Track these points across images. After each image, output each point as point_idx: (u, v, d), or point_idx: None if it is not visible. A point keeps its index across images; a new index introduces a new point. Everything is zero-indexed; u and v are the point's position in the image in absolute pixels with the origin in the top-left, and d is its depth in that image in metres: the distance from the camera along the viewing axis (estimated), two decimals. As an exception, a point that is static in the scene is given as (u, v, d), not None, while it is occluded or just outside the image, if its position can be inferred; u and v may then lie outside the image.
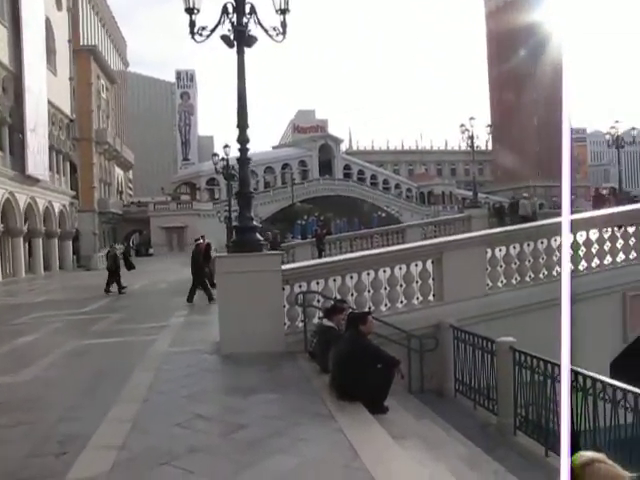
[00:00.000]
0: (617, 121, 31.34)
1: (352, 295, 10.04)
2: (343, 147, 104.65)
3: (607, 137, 33.30)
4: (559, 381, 6.62)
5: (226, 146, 31.10)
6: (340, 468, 4.59)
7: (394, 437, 5.56)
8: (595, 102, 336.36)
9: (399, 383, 7.61)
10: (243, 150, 9.90)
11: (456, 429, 7.53)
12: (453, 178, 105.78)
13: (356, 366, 6.73)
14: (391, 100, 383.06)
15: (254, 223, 10.15)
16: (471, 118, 31.49)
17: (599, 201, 30.31)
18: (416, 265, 10.54)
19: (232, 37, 9.72)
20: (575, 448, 3.38)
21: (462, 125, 31.53)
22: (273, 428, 5.51)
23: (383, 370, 7.04)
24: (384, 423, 6.00)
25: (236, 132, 9.92)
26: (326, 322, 8.21)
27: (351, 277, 10.13)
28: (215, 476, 4.46)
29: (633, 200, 32.94)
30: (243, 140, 9.86)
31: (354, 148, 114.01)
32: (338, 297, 9.78)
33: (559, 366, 6.64)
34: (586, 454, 2.19)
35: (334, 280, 10.04)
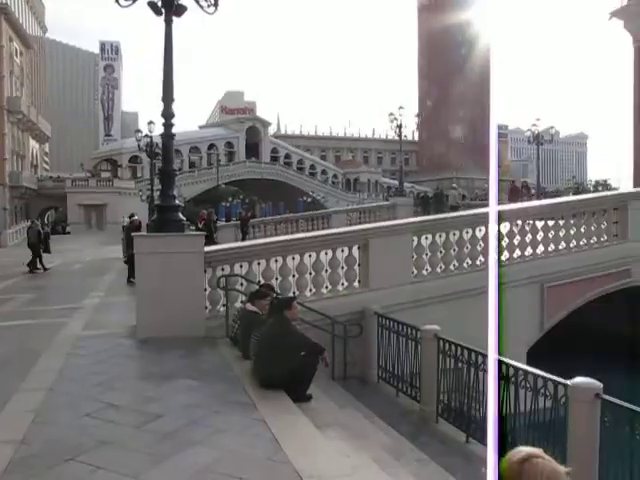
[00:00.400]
0: (538, 119, 32.57)
1: (276, 279, 9.84)
2: (271, 130, 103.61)
3: (527, 134, 34.51)
4: (482, 369, 6.69)
5: (150, 122, 29.92)
6: (262, 461, 4.35)
7: (318, 426, 5.39)
8: (517, 100, 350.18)
9: (322, 370, 7.45)
10: (168, 125, 9.42)
11: (379, 416, 7.48)
12: (379, 166, 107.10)
13: (280, 353, 6.52)
14: (321, 87, 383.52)
15: (176, 202, 9.69)
16: (400, 107, 31.85)
17: (514, 194, 31.64)
18: (342, 251, 10.43)
19: (160, 4, 9.18)
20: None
21: (391, 114, 31.83)
22: (191, 418, 5.20)
23: (307, 357, 6.86)
24: (307, 412, 5.82)
25: (161, 107, 9.41)
26: (249, 307, 7.97)
27: (276, 261, 9.91)
28: (126, 471, 4.10)
29: (550, 195, 34.57)
30: (168, 114, 9.37)
31: (282, 132, 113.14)
32: (262, 281, 9.57)
33: (482, 354, 6.71)
34: (523, 449, 2.12)
35: (258, 263, 9.80)
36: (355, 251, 10.51)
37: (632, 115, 25.23)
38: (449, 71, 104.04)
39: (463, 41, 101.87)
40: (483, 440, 6.56)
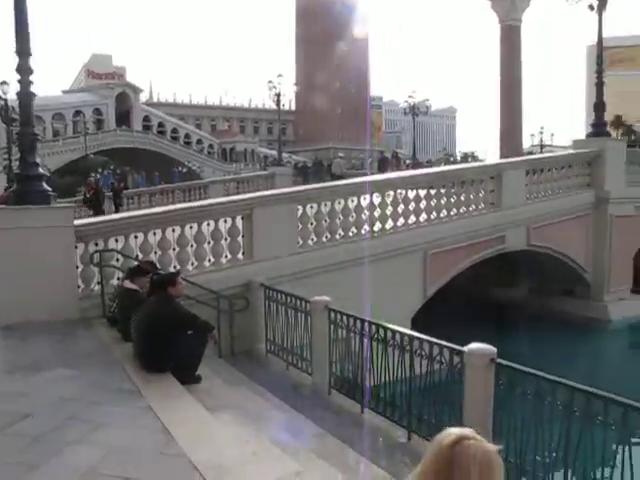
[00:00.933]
0: (414, 91, 33.57)
1: (155, 253, 9.26)
2: (143, 98, 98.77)
3: (403, 105, 35.50)
4: (376, 339, 6.62)
5: (3, 83, 27.07)
6: (153, 456, 3.92)
7: (210, 410, 5.04)
8: (391, 72, 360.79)
9: (209, 347, 7.08)
10: (25, 81, 8.31)
11: (270, 392, 7.24)
12: (256, 136, 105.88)
13: (165, 333, 6.09)
14: (195, 54, 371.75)
15: (40, 170, 8.70)
16: (279, 75, 31.42)
17: (384, 164, 32.72)
18: (225, 221, 9.99)
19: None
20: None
21: (270, 82, 31.32)
22: (67, 413, 4.61)
23: (195, 336, 6.46)
24: (198, 395, 5.45)
25: (16, 61, 8.30)
26: (128, 284, 7.47)
27: (154, 234, 9.29)
28: (-12, 485, 3.51)
29: (423, 166, 35.92)
30: (25, 69, 8.25)
31: (155, 100, 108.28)
32: (140, 255, 9.03)
33: (374, 324, 6.62)
34: (452, 431, 1.96)
35: (135, 237, 9.16)
36: (239, 221, 10.09)
37: (499, 91, 26.61)
38: (326, 41, 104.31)
39: (341, 12, 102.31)
40: (378, 409, 6.54)
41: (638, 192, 16.28)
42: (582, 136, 17.97)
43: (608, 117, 18.14)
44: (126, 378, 5.56)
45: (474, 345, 5.34)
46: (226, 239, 9.95)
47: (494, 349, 5.21)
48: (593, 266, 15.24)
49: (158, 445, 4.05)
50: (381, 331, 6.50)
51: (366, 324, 6.78)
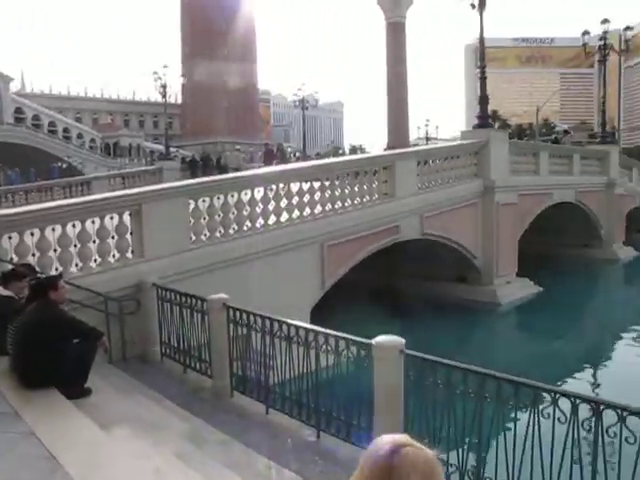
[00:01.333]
0: (303, 83, 33.61)
1: (34, 255, 8.46)
2: (13, 87, 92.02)
3: (291, 99, 35.53)
4: (278, 336, 6.37)
5: None
6: (35, 489, 3.41)
7: (103, 426, 4.57)
8: (279, 67, 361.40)
9: (98, 355, 6.51)
10: None
11: (168, 398, 6.80)
12: (141, 130, 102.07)
13: (47, 342, 5.52)
14: (73, 43, 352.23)
15: None
16: (165, 66, 30.25)
17: (269, 156, 32.78)
18: (112, 218, 9.32)
19: None
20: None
21: (155, 73, 30.12)
22: None
23: (81, 344, 5.90)
24: (88, 409, 4.95)
25: None
26: (1, 291, 6.75)
27: (32, 234, 8.50)
28: None
29: (313, 158, 36.22)
30: None
31: (27, 90, 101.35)
32: (15, 258, 8.26)
33: (276, 320, 6.37)
34: (386, 440, 1.75)
35: (9, 238, 8.32)
36: (127, 218, 9.45)
37: (386, 86, 27.26)
38: (213, 34, 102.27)
39: (228, 4, 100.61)
40: (284, 409, 6.30)
41: (520, 181, 17.26)
42: (462, 129, 18.78)
43: (486, 111, 18.95)
44: (1, 399, 4.91)
45: (381, 337, 5.22)
46: (113, 237, 9.29)
47: (402, 340, 5.11)
48: (482, 252, 15.90)
49: (42, 475, 3.53)
50: (284, 327, 6.26)
51: (267, 320, 6.51)
